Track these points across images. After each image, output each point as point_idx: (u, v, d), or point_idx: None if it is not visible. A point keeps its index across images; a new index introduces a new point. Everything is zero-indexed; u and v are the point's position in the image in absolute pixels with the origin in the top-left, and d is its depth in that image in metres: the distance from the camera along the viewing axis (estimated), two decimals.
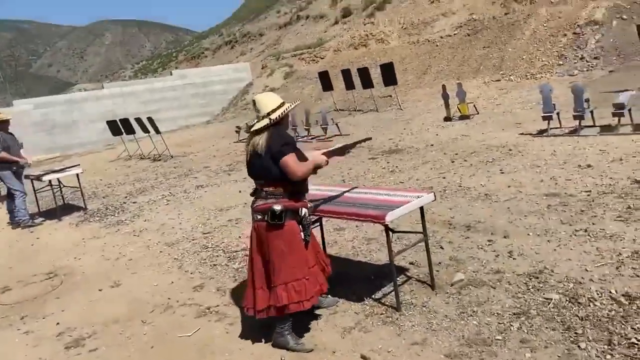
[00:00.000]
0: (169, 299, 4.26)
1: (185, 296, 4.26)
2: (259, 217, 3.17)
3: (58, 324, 4.11)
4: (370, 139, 4.30)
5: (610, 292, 3.20)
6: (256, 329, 3.46)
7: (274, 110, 3.16)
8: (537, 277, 3.53)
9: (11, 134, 7.67)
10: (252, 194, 3.32)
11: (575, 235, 4.15)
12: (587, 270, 3.54)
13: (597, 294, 3.20)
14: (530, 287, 3.43)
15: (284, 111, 3.20)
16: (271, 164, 3.10)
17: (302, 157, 3.22)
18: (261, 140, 3.12)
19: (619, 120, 7.33)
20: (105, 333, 3.82)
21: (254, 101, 3.24)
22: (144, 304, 4.23)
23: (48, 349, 3.70)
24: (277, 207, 3.08)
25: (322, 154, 3.37)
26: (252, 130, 3.21)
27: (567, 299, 3.20)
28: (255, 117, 3.23)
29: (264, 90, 20.87)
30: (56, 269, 5.52)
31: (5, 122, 7.60)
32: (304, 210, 3.23)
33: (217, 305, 3.97)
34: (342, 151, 3.67)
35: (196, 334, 3.58)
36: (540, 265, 3.72)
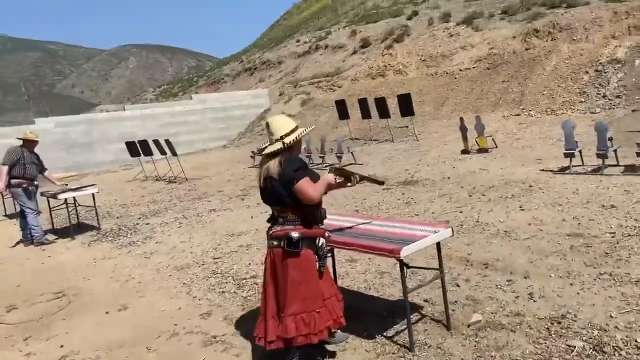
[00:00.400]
0: (175, 325, 4.15)
1: (192, 323, 4.14)
2: (275, 243, 3.07)
3: (62, 346, 4.02)
4: (383, 183, 4.17)
5: (636, 340, 3.03)
6: None
7: (287, 134, 3.09)
8: (560, 322, 3.36)
9: (36, 154, 7.76)
10: (268, 220, 3.24)
11: (599, 278, 3.97)
12: (612, 316, 3.36)
13: (623, 343, 3.02)
14: (552, 332, 3.26)
15: (298, 136, 3.13)
16: (285, 190, 3.03)
17: (314, 178, 3.15)
18: (274, 165, 3.05)
19: None
20: (109, 358, 3.72)
21: (267, 123, 3.18)
22: (150, 330, 4.13)
23: None
24: (295, 235, 2.99)
25: (332, 170, 3.29)
26: (264, 153, 3.14)
27: (592, 347, 3.03)
28: (268, 140, 3.17)
29: None
30: (64, 289, 5.45)
31: (33, 142, 7.70)
32: (322, 240, 3.14)
33: (224, 335, 3.85)
34: (350, 177, 3.48)
35: None
36: (563, 309, 3.55)
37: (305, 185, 3.00)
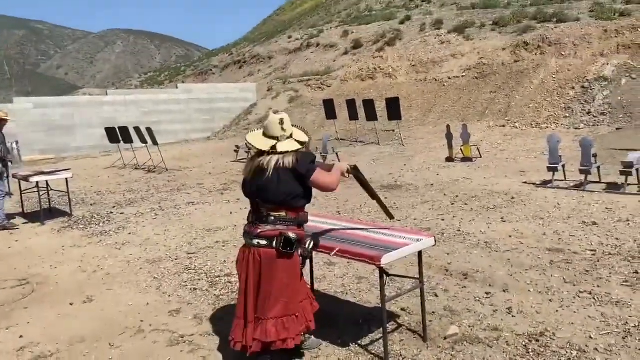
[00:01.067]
0: (141, 321, 3.98)
1: (160, 320, 3.98)
2: (264, 243, 2.90)
3: (21, 337, 3.83)
4: (393, 218, 4.04)
5: None
6: None
7: (298, 137, 3.04)
8: (538, 340, 3.28)
9: (2, 135, 7.42)
10: (250, 218, 3.05)
11: (579, 296, 3.91)
12: (591, 337, 3.29)
13: None
14: (530, 350, 3.18)
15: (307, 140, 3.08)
16: (297, 185, 2.90)
17: (325, 169, 3.10)
18: (285, 160, 2.89)
19: (627, 179, 7.17)
20: (69, 353, 3.54)
21: (281, 119, 2.97)
22: (115, 325, 3.95)
23: None
24: (292, 235, 2.86)
25: (352, 167, 3.28)
26: (281, 151, 2.91)
27: None
28: (277, 137, 2.95)
29: (268, 113, 20.80)
30: (30, 276, 5.23)
31: (2, 121, 7.37)
32: (312, 243, 3.05)
33: (192, 335, 3.69)
34: (363, 185, 3.54)
35: None
36: (542, 326, 3.47)
37: (321, 177, 2.96)
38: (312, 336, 3.40)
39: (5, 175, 7.42)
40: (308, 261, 3.93)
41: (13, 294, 4.78)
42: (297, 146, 2.97)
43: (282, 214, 2.94)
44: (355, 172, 3.36)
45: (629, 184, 7.19)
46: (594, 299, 3.85)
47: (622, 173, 7.19)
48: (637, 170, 7.15)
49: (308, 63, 25.34)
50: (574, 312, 3.67)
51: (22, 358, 3.50)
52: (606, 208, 6.41)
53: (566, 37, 15.91)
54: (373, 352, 3.29)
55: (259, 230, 2.94)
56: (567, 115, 13.15)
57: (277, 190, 2.90)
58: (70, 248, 6.23)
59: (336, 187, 3.06)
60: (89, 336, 3.78)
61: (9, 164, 7.51)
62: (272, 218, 2.94)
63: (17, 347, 3.66)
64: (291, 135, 2.99)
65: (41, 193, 7.96)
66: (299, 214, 3.00)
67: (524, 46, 16.65)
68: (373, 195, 3.65)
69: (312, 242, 3.09)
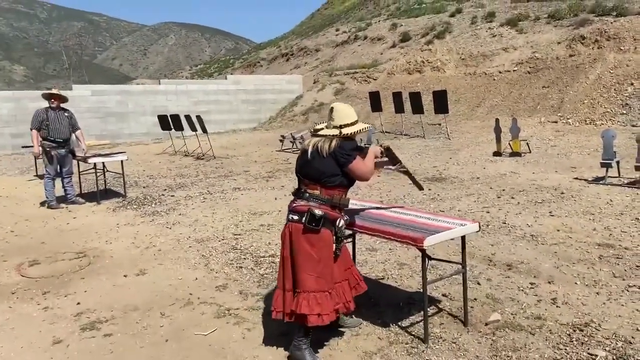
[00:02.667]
0: (190, 294, 4.16)
1: (208, 294, 4.15)
2: (296, 217, 3.04)
3: (79, 303, 4.08)
4: (422, 189, 4.15)
5: None
6: (274, 338, 3.31)
7: (347, 125, 3.09)
8: (582, 330, 3.24)
9: (66, 113, 7.80)
10: (293, 193, 3.21)
11: (627, 290, 3.82)
12: (638, 329, 3.22)
13: None
14: (573, 339, 3.14)
15: (357, 131, 3.12)
16: (333, 166, 3.03)
17: (362, 156, 3.19)
18: (328, 143, 3.05)
19: None
20: (123, 320, 3.75)
21: (332, 108, 3.17)
22: (165, 296, 4.15)
23: (63, 328, 3.65)
24: (318, 212, 2.96)
25: (381, 144, 3.36)
26: (319, 133, 3.13)
27: (615, 358, 2.91)
28: (326, 123, 3.16)
29: (313, 105, 20.98)
30: (86, 250, 5.54)
31: (56, 99, 7.67)
32: (342, 222, 3.10)
33: (238, 309, 3.84)
34: (395, 161, 3.56)
35: (213, 334, 3.45)
36: (587, 317, 3.42)
37: (359, 164, 3.07)
38: (353, 316, 3.48)
39: (65, 155, 7.80)
40: (350, 244, 4.03)
41: (71, 265, 5.08)
42: (336, 133, 3.06)
43: (317, 192, 3.06)
44: (387, 151, 3.43)
45: None
46: None
47: None
48: None
49: (355, 56, 25.28)
50: (622, 305, 3.59)
51: (79, 323, 3.74)
52: None
53: (625, 32, 15.21)
54: (413, 333, 3.34)
55: (294, 205, 3.10)
56: (624, 112, 12.62)
57: (314, 168, 3.06)
58: (124, 226, 6.54)
59: (370, 177, 3.17)
60: (141, 305, 3.99)
61: (70, 147, 7.93)
62: (307, 194, 3.07)
63: (74, 313, 3.91)
64: (341, 126, 3.07)
65: (98, 174, 8.36)
66: (334, 195, 3.07)
67: (580, 40, 16.04)
68: (405, 170, 3.73)
69: (343, 221, 3.16)
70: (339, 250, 3.14)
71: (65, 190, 7.99)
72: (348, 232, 3.49)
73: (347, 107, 3.20)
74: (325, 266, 3.01)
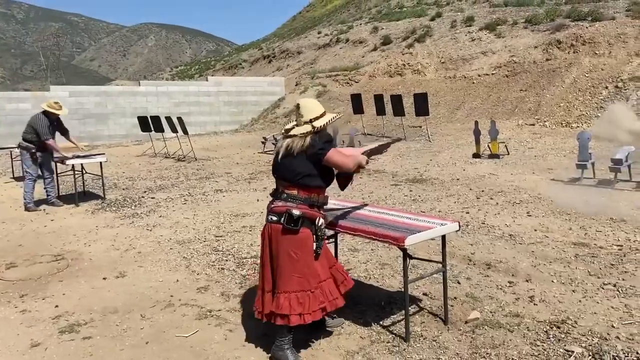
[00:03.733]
0: (171, 296, 4.14)
1: (189, 296, 4.13)
2: (274, 218, 3.05)
3: (57, 306, 4.02)
4: (400, 139, 4.28)
5: (637, 353, 2.97)
6: (256, 338, 3.31)
7: (316, 118, 3.07)
8: (559, 327, 3.31)
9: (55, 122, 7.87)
10: (271, 194, 3.21)
11: (602, 288, 3.91)
12: (613, 326, 3.30)
13: (624, 353, 2.96)
14: (550, 336, 3.21)
15: (328, 121, 3.11)
16: (308, 166, 3.02)
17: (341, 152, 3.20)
18: (300, 142, 3.03)
19: None
20: (102, 322, 3.71)
21: (298, 105, 3.16)
22: (145, 298, 4.12)
23: (41, 331, 3.59)
24: (296, 212, 2.98)
25: (362, 153, 3.30)
26: (290, 134, 3.10)
27: (591, 354, 2.98)
28: (295, 121, 3.15)
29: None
30: (65, 253, 5.46)
31: (56, 115, 7.75)
32: (321, 221, 3.12)
33: (219, 310, 3.83)
34: (380, 150, 3.65)
35: (194, 336, 3.44)
36: (563, 314, 3.49)
37: (336, 155, 3.06)
38: (335, 315, 3.50)
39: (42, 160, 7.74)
40: (333, 246, 4.05)
41: (49, 268, 5.01)
42: (309, 129, 3.04)
43: (294, 192, 3.06)
44: (369, 152, 3.43)
45: None
46: (618, 291, 3.84)
47: None
48: None
49: (337, 58, 25.39)
50: (597, 302, 3.67)
51: (58, 325, 3.68)
52: (636, 206, 6.32)
53: (600, 36, 15.58)
54: (394, 332, 3.37)
55: (272, 206, 3.11)
56: (599, 114, 12.89)
57: (290, 169, 3.06)
58: (103, 228, 6.46)
59: (352, 168, 3.13)
60: (121, 308, 3.95)
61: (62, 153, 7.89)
62: (285, 195, 3.08)
63: (52, 316, 3.85)
64: (311, 120, 3.06)
65: (76, 176, 8.24)
66: (312, 195, 3.08)
67: (556, 44, 16.37)
68: (387, 145, 3.80)
69: (322, 220, 3.15)
70: (320, 248, 3.14)
71: (46, 191, 7.93)
72: (330, 231, 3.51)
73: (311, 100, 3.21)
74: (307, 266, 3.02)
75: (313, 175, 3.05)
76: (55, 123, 7.80)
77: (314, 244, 3.09)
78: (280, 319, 2.96)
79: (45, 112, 7.64)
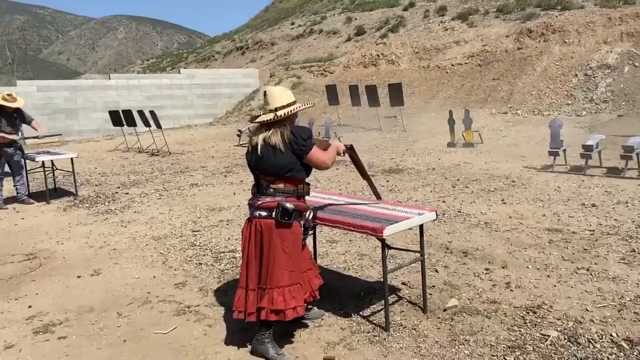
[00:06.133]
0: (148, 293, 4.07)
1: (166, 292, 4.07)
2: (264, 214, 2.99)
3: (30, 307, 3.92)
4: (380, 198, 4.12)
5: (611, 335, 3.05)
6: (236, 333, 3.29)
7: (282, 107, 2.99)
8: (535, 312, 3.37)
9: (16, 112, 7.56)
10: (254, 191, 3.15)
11: (576, 273, 4.00)
12: (587, 310, 3.38)
13: (598, 336, 3.04)
14: (527, 321, 3.27)
15: (292, 110, 3.01)
16: (293, 160, 2.98)
17: (322, 145, 3.18)
18: (277, 136, 2.96)
19: (627, 163, 7.23)
20: (78, 322, 3.63)
21: (265, 92, 3.08)
22: (122, 296, 4.05)
23: (15, 332, 3.50)
24: (289, 206, 2.94)
25: (348, 146, 3.37)
26: (256, 121, 3.06)
27: (566, 337, 3.04)
28: (262, 109, 3.09)
29: None
30: (37, 252, 5.33)
31: (11, 108, 7.42)
32: (310, 213, 3.13)
33: (198, 305, 3.79)
34: (358, 165, 3.77)
35: (173, 332, 3.39)
36: (539, 299, 3.56)
37: (318, 154, 3.05)
38: (315, 307, 3.50)
39: (14, 153, 7.50)
40: (311, 237, 4.04)
41: (21, 267, 4.88)
42: (271, 117, 2.96)
43: (281, 185, 3.02)
44: (350, 151, 3.48)
45: (629, 169, 7.25)
46: (591, 275, 3.94)
47: (622, 157, 7.25)
48: (637, 154, 7.20)
49: (311, 49, 25.29)
50: (571, 287, 3.75)
51: (32, 326, 3.59)
52: (606, 191, 6.48)
53: (570, 25, 15.86)
54: (374, 322, 3.38)
55: (259, 202, 3.03)
56: (570, 102, 13.16)
57: (273, 163, 2.98)
58: (76, 225, 6.32)
59: (329, 166, 3.15)
60: (97, 306, 3.88)
61: (18, 143, 7.61)
62: (271, 190, 3.02)
63: (26, 316, 3.76)
64: (276, 109, 2.98)
65: (47, 172, 8.03)
66: (298, 186, 3.07)
67: (527, 33, 16.61)
68: (364, 174, 3.88)
69: (312, 213, 3.19)
70: (304, 240, 3.15)
71: (16, 189, 7.73)
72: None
73: (281, 89, 3.13)
74: (297, 259, 3.02)
75: (298, 167, 3.02)
76: (15, 115, 7.50)
77: (302, 236, 3.10)
78: (275, 315, 2.93)
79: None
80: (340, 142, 3.49)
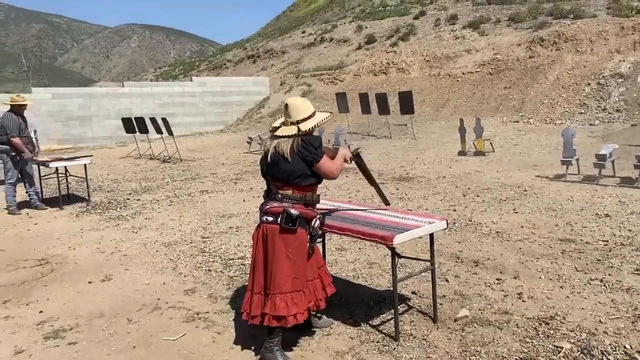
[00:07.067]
0: (158, 299, 4.08)
1: (176, 299, 4.08)
2: (270, 219, 3.02)
3: (41, 312, 3.95)
4: (389, 204, 4.12)
5: (625, 347, 2.99)
6: (245, 340, 3.28)
7: (304, 119, 3.03)
8: (548, 323, 3.33)
9: (24, 118, 7.63)
10: (264, 196, 3.18)
11: (590, 284, 3.94)
12: (601, 321, 3.32)
13: (612, 348, 2.99)
14: (539, 332, 3.22)
15: (316, 125, 3.08)
16: (302, 167, 3.00)
17: (330, 154, 3.20)
18: (288, 145, 2.98)
19: None
20: (88, 327, 3.65)
21: (286, 104, 3.10)
22: (132, 302, 4.06)
23: (25, 337, 3.52)
24: (294, 212, 2.95)
25: (354, 151, 3.42)
26: (277, 134, 3.06)
27: (579, 349, 2.99)
28: (283, 121, 3.10)
29: (280, 106, 20.89)
30: (49, 257, 5.37)
31: (21, 107, 7.54)
32: (317, 222, 3.12)
33: (207, 312, 3.79)
34: (364, 172, 3.78)
35: (182, 339, 3.39)
36: (552, 310, 3.51)
37: (327, 163, 3.07)
38: (324, 315, 3.48)
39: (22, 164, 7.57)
40: (320, 244, 4.03)
41: (32, 272, 4.91)
42: (294, 131, 3.00)
43: (289, 192, 3.04)
44: (357, 158, 3.50)
45: None
46: (605, 286, 3.88)
47: (636, 167, 7.16)
48: None
49: (321, 58, 25.36)
50: (585, 298, 3.70)
51: (42, 331, 3.61)
52: (619, 201, 6.40)
53: (582, 34, 15.75)
54: (384, 331, 3.36)
55: (267, 207, 3.06)
56: (582, 111, 13.05)
57: (283, 169, 3.02)
58: (88, 231, 6.37)
59: (337, 175, 3.17)
60: (107, 312, 3.89)
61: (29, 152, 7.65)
62: (280, 195, 3.05)
63: (37, 322, 3.78)
64: (298, 122, 3.03)
65: (60, 179, 8.11)
66: (306, 193, 3.07)
67: (539, 42, 16.52)
68: (372, 181, 3.87)
69: (319, 221, 3.17)
70: (312, 249, 3.14)
71: (28, 195, 7.80)
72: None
73: (302, 101, 3.15)
74: (301, 266, 3.02)
75: (307, 174, 3.04)
76: (23, 120, 7.56)
77: (308, 244, 3.09)
78: (277, 321, 2.93)
79: (12, 110, 7.42)
80: (350, 148, 3.49)
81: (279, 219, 2.97)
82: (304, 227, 3.04)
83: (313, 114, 3.09)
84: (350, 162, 3.43)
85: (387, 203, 4.06)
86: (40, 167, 8.29)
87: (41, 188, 8.75)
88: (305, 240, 3.06)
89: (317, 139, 3.08)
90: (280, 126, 3.09)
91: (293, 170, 3.00)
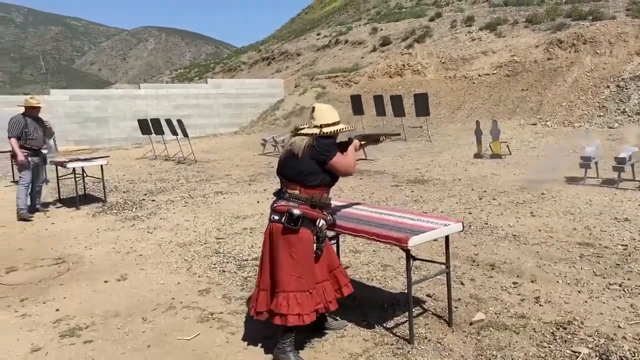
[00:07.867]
0: (172, 299, 4.10)
1: (190, 299, 4.09)
2: (276, 217, 3.05)
3: (57, 310, 3.99)
4: (399, 134, 4.50)
5: None
6: (258, 341, 3.28)
7: (327, 125, 3.10)
8: (565, 328, 3.27)
9: (41, 120, 7.54)
10: (275, 193, 3.21)
11: (608, 288, 3.87)
12: (620, 327, 3.26)
13: (630, 354, 2.92)
14: (557, 337, 3.17)
15: (337, 130, 3.14)
16: (312, 165, 3.04)
17: (342, 150, 3.23)
18: (303, 142, 3.05)
19: None
20: (104, 326, 3.67)
21: (313, 107, 3.19)
22: (147, 301, 4.08)
23: (42, 335, 3.56)
24: (296, 212, 2.97)
25: (355, 137, 3.41)
26: (300, 132, 3.13)
27: (598, 355, 2.94)
28: (307, 123, 3.19)
29: (294, 108, 20.95)
30: (65, 256, 5.43)
31: (35, 109, 7.42)
32: (322, 222, 3.09)
33: (221, 312, 3.79)
34: (375, 139, 3.69)
35: (195, 339, 3.40)
36: (570, 315, 3.45)
37: (340, 161, 3.09)
38: (338, 318, 3.47)
39: (39, 163, 7.57)
40: (334, 247, 4.01)
41: (49, 271, 4.97)
42: (316, 131, 3.08)
43: (296, 191, 3.07)
44: (365, 138, 3.57)
45: None
46: (624, 291, 3.80)
47: None
48: None
49: (336, 60, 25.37)
50: (603, 302, 3.63)
51: (59, 330, 3.65)
52: (639, 205, 6.28)
53: (601, 35, 15.54)
54: (398, 334, 3.33)
55: (275, 205, 3.11)
56: (601, 114, 12.86)
57: (291, 167, 3.07)
58: (104, 231, 6.43)
59: (354, 169, 3.21)
60: (122, 311, 3.92)
61: (43, 153, 7.66)
62: (287, 194, 3.08)
63: (53, 320, 3.81)
64: (321, 125, 3.08)
65: (77, 179, 8.20)
66: (314, 194, 3.07)
67: (557, 44, 16.33)
68: (378, 136, 3.79)
69: (323, 222, 3.13)
70: (320, 250, 3.12)
71: (31, 197, 7.57)
72: (331, 232, 3.47)
73: (329, 107, 3.21)
74: (306, 266, 3.01)
75: (316, 174, 3.05)
76: (38, 122, 7.46)
77: (315, 245, 3.08)
78: (279, 318, 2.95)
79: (24, 113, 7.33)
80: (353, 139, 3.49)
81: (283, 217, 2.99)
82: (309, 227, 3.04)
83: (337, 123, 3.16)
84: (361, 148, 3.46)
85: (397, 134, 4.29)
86: (58, 167, 8.39)
87: (59, 188, 8.86)
88: (311, 241, 3.05)
89: (330, 139, 3.11)
90: (304, 128, 3.16)
91: (302, 168, 3.04)
